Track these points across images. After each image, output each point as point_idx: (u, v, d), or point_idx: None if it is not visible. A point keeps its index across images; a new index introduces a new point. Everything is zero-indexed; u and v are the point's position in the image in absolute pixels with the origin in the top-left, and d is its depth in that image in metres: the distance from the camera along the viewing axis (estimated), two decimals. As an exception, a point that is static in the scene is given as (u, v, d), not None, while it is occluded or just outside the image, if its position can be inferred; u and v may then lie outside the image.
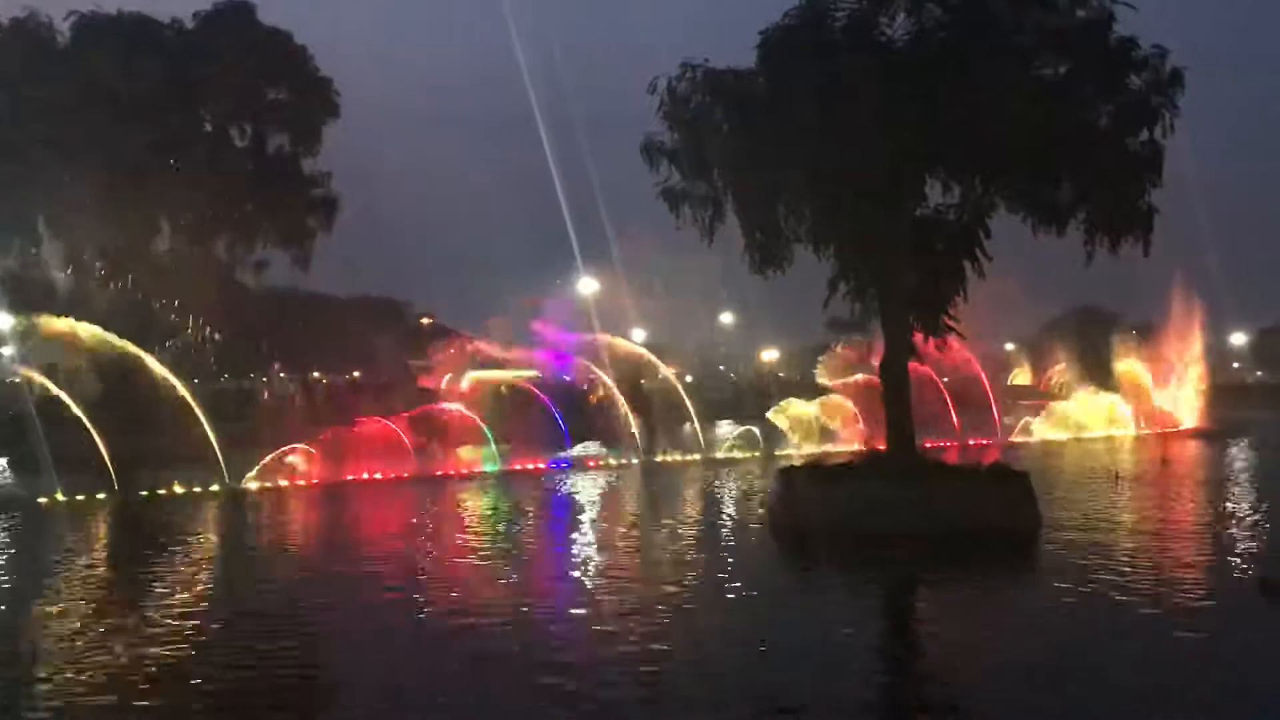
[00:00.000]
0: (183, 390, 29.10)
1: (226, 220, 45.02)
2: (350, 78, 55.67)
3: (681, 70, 20.75)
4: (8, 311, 46.63)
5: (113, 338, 29.36)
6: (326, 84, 45.58)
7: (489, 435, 34.24)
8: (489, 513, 25.15)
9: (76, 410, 27.98)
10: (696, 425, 38.33)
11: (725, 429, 41.33)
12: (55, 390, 29.21)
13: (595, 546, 19.72)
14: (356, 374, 67.93)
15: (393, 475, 30.17)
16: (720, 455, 36.63)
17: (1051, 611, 13.65)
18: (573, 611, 14.00)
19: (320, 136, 45.71)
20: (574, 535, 21.43)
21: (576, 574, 16.82)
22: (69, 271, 43.76)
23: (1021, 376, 70.26)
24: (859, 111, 18.60)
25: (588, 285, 60.32)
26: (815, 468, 22.15)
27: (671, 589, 14.89)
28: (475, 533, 22.04)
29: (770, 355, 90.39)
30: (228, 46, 42.71)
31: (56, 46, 42.00)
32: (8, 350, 58.79)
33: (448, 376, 47.20)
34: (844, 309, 23.40)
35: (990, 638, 12.50)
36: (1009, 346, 74.52)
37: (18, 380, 45.98)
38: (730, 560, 17.84)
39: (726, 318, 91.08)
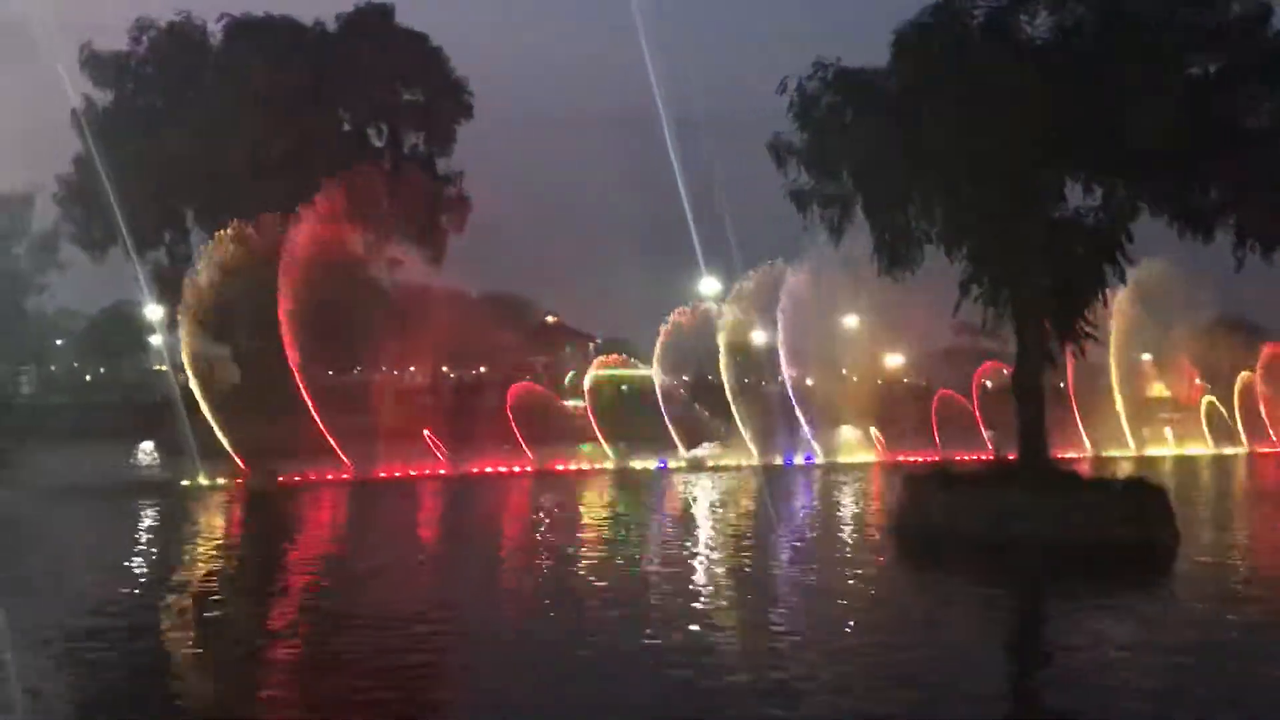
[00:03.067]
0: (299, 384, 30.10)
1: (363, 218, 46.31)
2: (481, 74, 56.62)
3: (812, 70, 20.52)
4: (156, 303, 49.04)
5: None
6: (461, 85, 46.63)
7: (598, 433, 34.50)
8: (605, 509, 25.34)
9: (200, 400, 29.18)
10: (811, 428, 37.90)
11: (846, 433, 40.68)
12: (179, 383, 30.47)
13: (707, 556, 19.65)
14: (483, 369, 69.15)
15: (515, 469, 30.66)
16: (841, 459, 36.14)
17: (1187, 632, 12.80)
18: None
19: (454, 137, 46.82)
20: (686, 536, 21.40)
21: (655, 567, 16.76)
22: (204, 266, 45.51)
23: (1161, 388, 67.23)
24: (996, 111, 18.11)
25: (710, 285, 60.21)
26: (942, 474, 21.65)
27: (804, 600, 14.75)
28: (594, 526, 22.21)
29: (895, 360, 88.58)
30: (367, 49, 44.05)
31: (209, 49, 43.84)
32: (156, 340, 61.82)
33: (570, 374, 47.74)
34: (975, 313, 22.80)
35: (1121, 659, 11.67)
36: (1145, 357, 71.41)
37: (164, 369, 48.29)
38: (853, 567, 17.52)
39: (850, 320, 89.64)
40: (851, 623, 13.06)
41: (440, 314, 38.19)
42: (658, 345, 37.43)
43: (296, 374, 30.23)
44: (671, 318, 36.00)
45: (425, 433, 30.86)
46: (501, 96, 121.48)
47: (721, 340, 36.87)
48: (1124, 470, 27.59)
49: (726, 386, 36.93)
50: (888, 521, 21.19)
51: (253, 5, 44.47)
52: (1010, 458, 21.59)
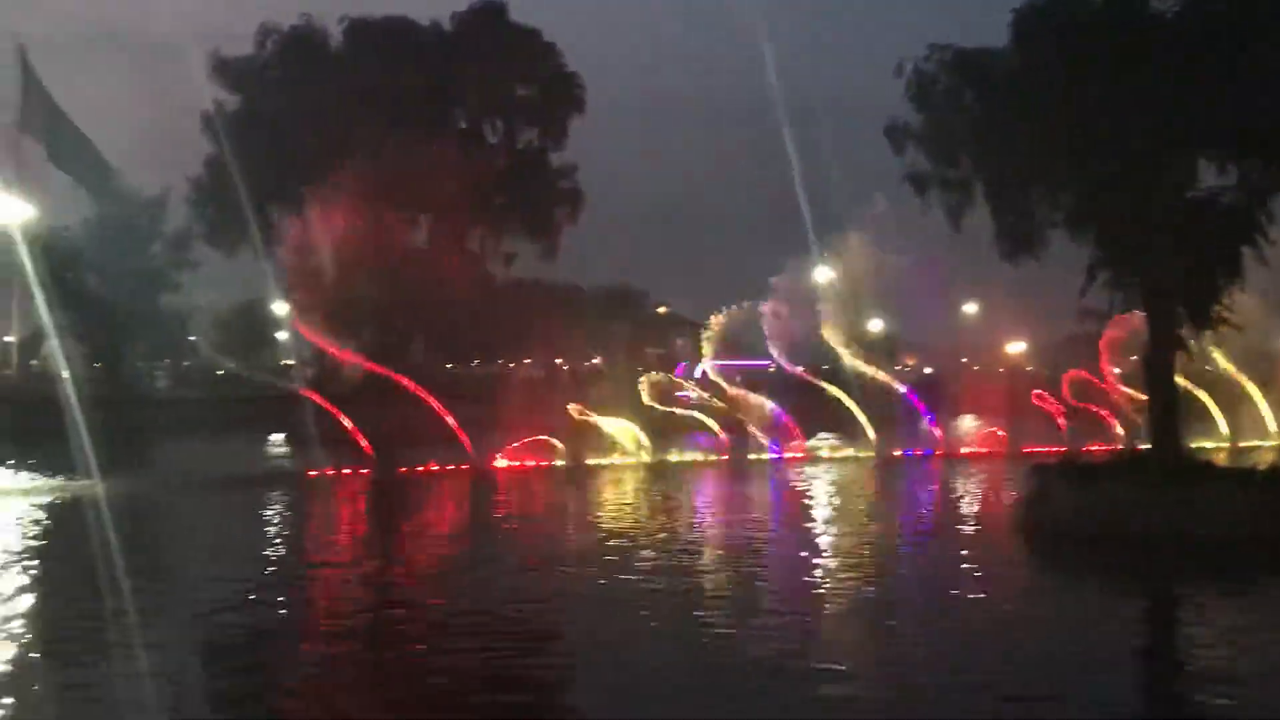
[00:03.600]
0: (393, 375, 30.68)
1: (478, 214, 47.17)
2: (593, 67, 57.03)
3: (929, 51, 20.09)
4: (283, 299, 50.69)
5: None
6: (574, 79, 47.11)
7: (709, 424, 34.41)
8: (725, 501, 25.31)
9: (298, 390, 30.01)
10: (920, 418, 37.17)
11: (968, 423, 39.87)
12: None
13: (832, 542, 19.48)
14: (597, 361, 69.75)
15: (630, 460, 30.84)
16: (964, 450, 35.38)
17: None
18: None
19: (567, 131, 47.34)
20: (810, 525, 21.23)
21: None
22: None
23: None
24: (1123, 89, 17.48)
25: (824, 274, 59.47)
26: (1071, 465, 20.99)
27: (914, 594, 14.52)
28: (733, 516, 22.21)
29: (1016, 348, 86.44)
30: (481, 46, 44.80)
31: (329, 51, 45.10)
32: (282, 335, 63.90)
33: (684, 365, 47.72)
34: (1102, 299, 22.03)
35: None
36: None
37: (291, 363, 49.85)
38: (975, 561, 17.13)
39: (970, 308, 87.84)
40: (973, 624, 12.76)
41: (554, 306, 38.54)
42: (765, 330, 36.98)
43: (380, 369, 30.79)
44: (768, 306, 35.50)
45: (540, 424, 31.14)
46: (614, 88, 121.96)
47: (835, 329, 36.41)
48: (1266, 460, 26.30)
49: (845, 376, 36.52)
50: (1014, 516, 20.63)
51: (372, 8, 45.63)
52: (1142, 448, 20.87)
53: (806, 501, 24.73)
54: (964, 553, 17.77)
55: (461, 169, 44.02)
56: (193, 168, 46.91)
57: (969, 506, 24.41)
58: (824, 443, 34.95)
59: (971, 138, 19.71)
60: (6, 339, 58.75)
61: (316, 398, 30.86)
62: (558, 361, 69.69)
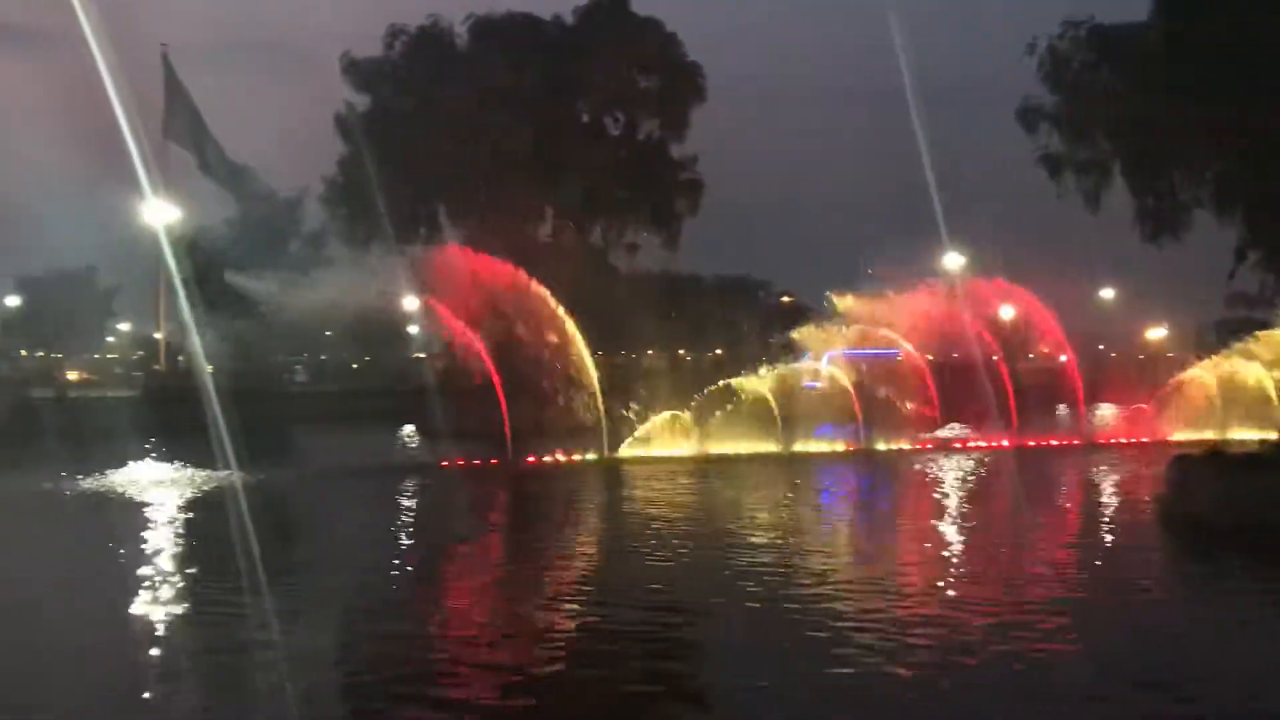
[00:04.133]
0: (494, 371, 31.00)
1: (601, 206, 47.48)
2: (713, 54, 56.86)
3: (1063, 28, 19.49)
4: (414, 294, 51.85)
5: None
6: (695, 69, 46.99)
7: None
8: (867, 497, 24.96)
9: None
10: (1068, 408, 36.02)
11: (1106, 411, 38.48)
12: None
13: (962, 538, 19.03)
14: (719, 352, 69.55)
15: (758, 451, 30.66)
16: (1101, 440, 34.18)
17: None
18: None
19: (688, 121, 47.24)
20: (940, 522, 20.77)
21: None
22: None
23: None
24: (1275, 61, 16.62)
25: (954, 261, 58.28)
26: (1216, 455, 20.07)
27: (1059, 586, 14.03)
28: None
29: (1157, 333, 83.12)
30: (603, 39, 45.02)
31: (455, 49, 45.89)
32: (414, 329, 65.46)
33: (808, 355, 47.19)
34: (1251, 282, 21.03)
35: None
36: None
37: (422, 357, 51.00)
38: (1121, 554, 16.50)
39: (1107, 293, 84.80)
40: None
41: (676, 297, 38.51)
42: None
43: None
44: (896, 293, 34.79)
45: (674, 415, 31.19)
46: (735, 74, 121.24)
47: (966, 315, 35.59)
48: None
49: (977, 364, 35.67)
50: (1157, 508, 19.81)
51: (497, 5, 46.22)
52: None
53: (949, 496, 24.22)
54: (1107, 544, 17.17)
55: (583, 162, 44.40)
56: (327, 167, 48.38)
57: (1109, 499, 23.56)
58: (956, 432, 34.19)
59: (1110, 117, 19.03)
60: (156, 336, 61.53)
61: (498, 388, 31.04)
62: (680, 352, 69.78)
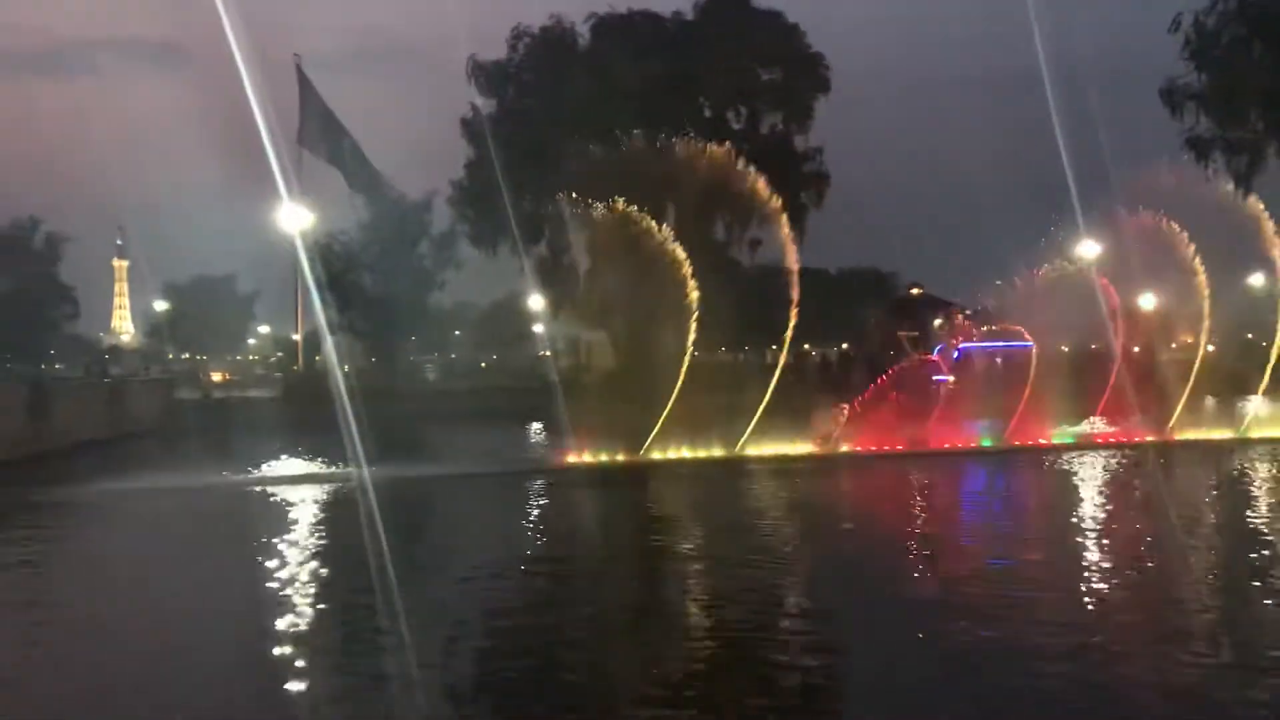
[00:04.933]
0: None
1: (723, 201, 47.20)
2: (836, 45, 56.01)
3: (1210, 3, 18.48)
4: (540, 295, 52.56)
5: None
6: (817, 60, 46.38)
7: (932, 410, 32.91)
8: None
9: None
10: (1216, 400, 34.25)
11: (1256, 404, 36.53)
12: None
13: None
14: (845, 346, 68.57)
15: (898, 449, 29.94)
16: (1255, 435, 32.47)
17: None
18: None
19: (811, 113, 46.63)
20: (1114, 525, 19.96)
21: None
22: (589, 255, 48.11)
23: None
24: None
25: (1090, 249, 56.06)
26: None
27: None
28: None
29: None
30: (724, 33, 44.76)
31: (578, 49, 46.23)
32: (539, 327, 66.36)
33: (939, 348, 46.10)
34: None
35: None
36: None
37: (547, 354, 51.52)
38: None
39: (1257, 280, 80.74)
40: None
41: (801, 292, 37.99)
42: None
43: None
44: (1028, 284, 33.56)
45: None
46: (861, 65, 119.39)
47: (1103, 306, 34.21)
48: None
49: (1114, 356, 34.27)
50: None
51: (618, 3, 46.35)
52: None
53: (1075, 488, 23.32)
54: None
55: (705, 157, 44.17)
56: (454, 171, 49.29)
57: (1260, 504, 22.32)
58: (1094, 428, 32.90)
59: (1263, 94, 17.99)
60: (294, 337, 63.65)
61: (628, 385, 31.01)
62: (805, 347, 69.03)
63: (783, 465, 28.25)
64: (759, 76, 46.41)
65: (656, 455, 28.97)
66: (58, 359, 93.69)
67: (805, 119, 46.55)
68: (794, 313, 32.19)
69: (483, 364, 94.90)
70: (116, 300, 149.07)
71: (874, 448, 29.93)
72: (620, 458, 28.71)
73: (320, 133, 53.94)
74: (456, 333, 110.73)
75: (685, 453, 29.11)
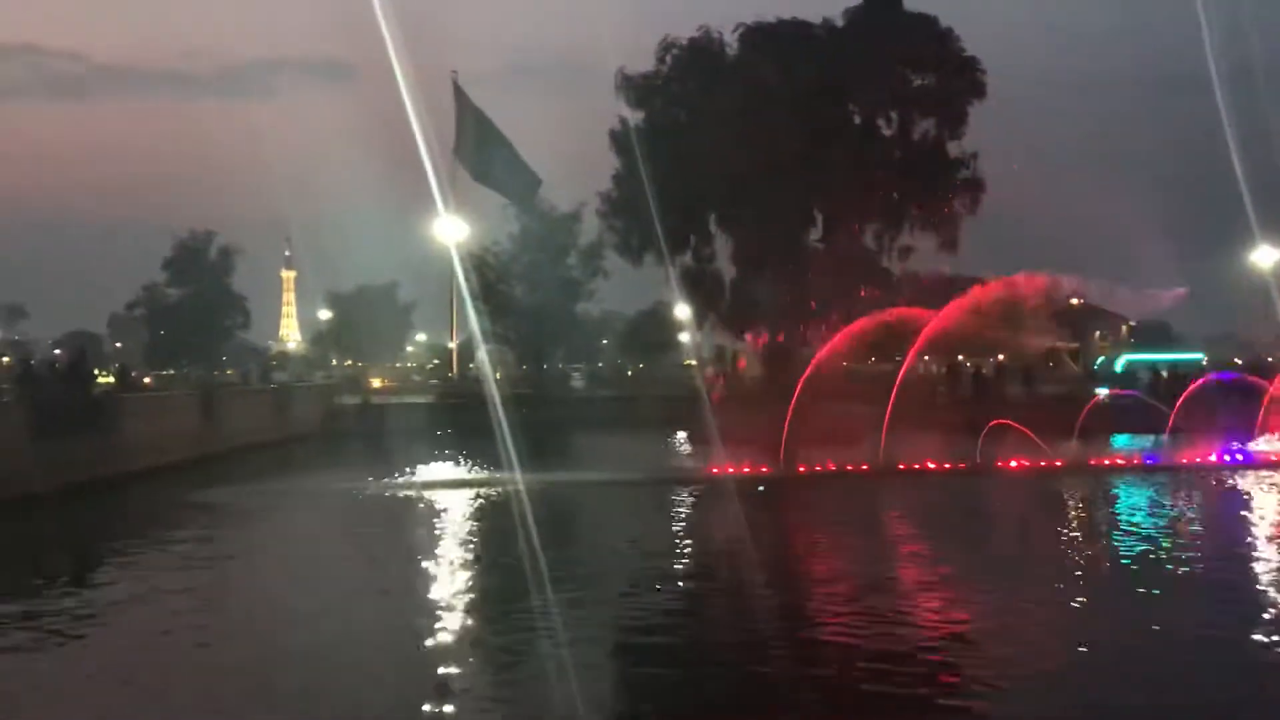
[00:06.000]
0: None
1: (873, 209, 46.44)
2: (993, 49, 54.50)
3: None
4: (686, 304, 52.67)
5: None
6: (972, 64, 45.16)
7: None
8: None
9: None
10: None
11: None
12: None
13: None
14: (1001, 357, 66.54)
15: (1046, 464, 28.91)
16: None
17: None
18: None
19: (966, 119, 45.42)
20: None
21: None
22: (735, 264, 47.98)
23: None
24: None
25: (1267, 255, 53.21)
26: None
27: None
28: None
29: None
30: (874, 38, 44.03)
31: (726, 59, 46.16)
32: (686, 338, 66.52)
33: (1100, 360, 44.47)
34: None
35: None
36: None
37: (693, 363, 51.51)
38: None
39: None
40: None
41: (954, 301, 37.04)
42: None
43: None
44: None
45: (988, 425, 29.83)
46: (1017, 69, 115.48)
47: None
48: None
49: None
50: None
51: (765, 12, 46.07)
52: None
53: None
54: None
55: (854, 164, 43.57)
56: (603, 182, 49.85)
57: None
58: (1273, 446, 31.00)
59: None
60: (449, 344, 65.50)
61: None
62: (959, 358, 67.26)
63: (932, 479, 27.59)
64: (911, 82, 45.42)
65: (802, 467, 28.65)
66: (229, 365, 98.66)
67: (959, 124, 45.32)
68: (936, 321, 31.17)
69: (629, 372, 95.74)
70: (284, 309, 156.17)
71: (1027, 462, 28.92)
72: (765, 469, 28.50)
73: (475, 147, 55.35)
74: (604, 341, 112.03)
75: (832, 464, 28.70)
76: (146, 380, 63.93)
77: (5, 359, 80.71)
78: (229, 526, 21.97)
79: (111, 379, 48.32)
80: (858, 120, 46.49)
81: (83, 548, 19.69)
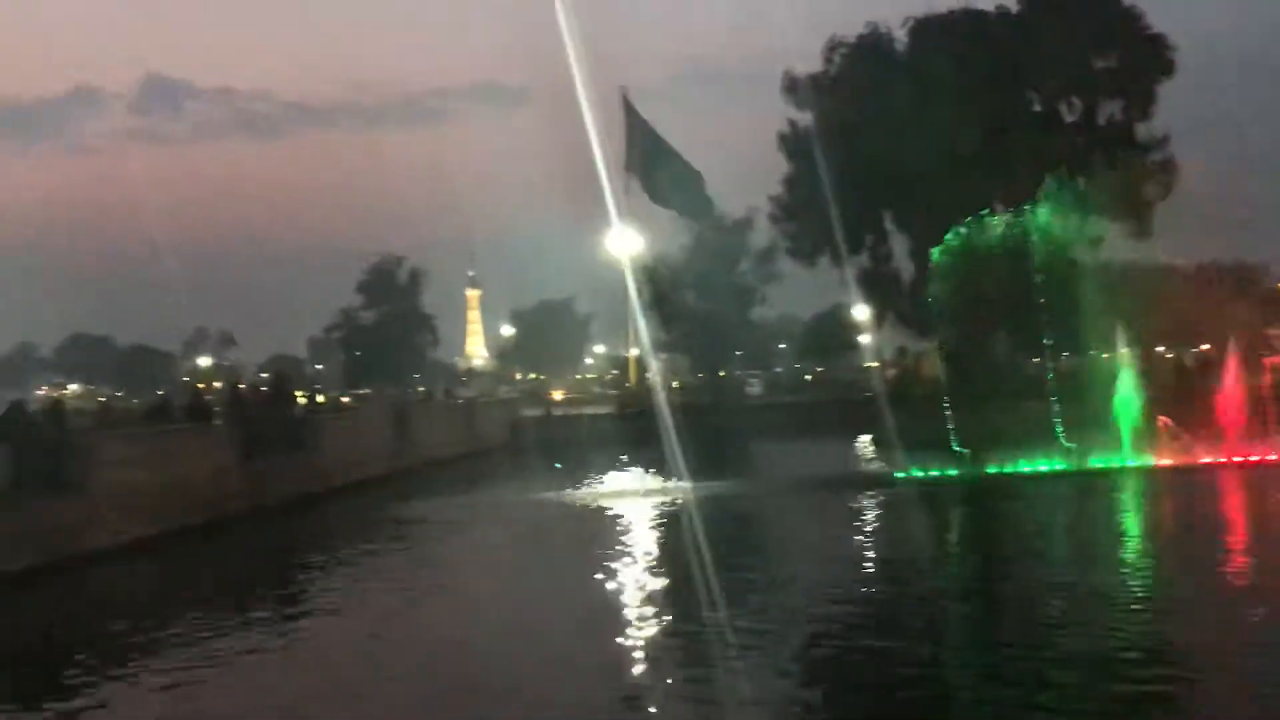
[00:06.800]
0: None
1: (1056, 198, 44.61)
2: (1182, 22, 51.50)
3: None
4: (864, 303, 51.86)
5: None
6: (1159, 42, 42.91)
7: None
8: None
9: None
10: None
11: None
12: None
13: None
14: (1205, 348, 62.79)
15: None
16: None
17: None
18: None
19: (1154, 98, 43.18)
20: None
21: None
22: (912, 260, 46.87)
23: None
24: None
25: None
26: None
27: None
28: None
29: None
30: (1052, 22, 42.34)
31: (896, 54, 45.28)
32: (865, 339, 65.46)
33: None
34: None
35: None
36: None
37: (874, 365, 50.71)
38: None
39: None
40: None
41: (1151, 290, 35.19)
42: None
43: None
44: None
45: (1160, 420, 28.28)
46: (1209, 42, 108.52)
47: None
48: None
49: None
50: None
51: (935, 5, 45.02)
52: None
53: None
54: None
55: (1038, 153, 41.96)
56: (773, 187, 49.62)
57: None
58: None
59: None
60: (626, 355, 66.28)
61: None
62: (1160, 350, 63.76)
63: (1139, 478, 26.18)
64: (1093, 64, 43.39)
65: (992, 469, 27.67)
66: (421, 382, 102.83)
67: (1147, 105, 43.06)
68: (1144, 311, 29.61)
69: (807, 376, 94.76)
70: (469, 326, 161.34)
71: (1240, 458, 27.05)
72: (954, 471, 27.65)
73: (646, 162, 55.89)
74: (781, 346, 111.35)
75: (1024, 465, 27.60)
76: (344, 399, 67.10)
77: (216, 384, 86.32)
78: (430, 538, 22.85)
79: (307, 399, 50.95)
80: (1037, 108, 44.82)
81: (298, 559, 20.77)
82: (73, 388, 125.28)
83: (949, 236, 33.33)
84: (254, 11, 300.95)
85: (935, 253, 33.23)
